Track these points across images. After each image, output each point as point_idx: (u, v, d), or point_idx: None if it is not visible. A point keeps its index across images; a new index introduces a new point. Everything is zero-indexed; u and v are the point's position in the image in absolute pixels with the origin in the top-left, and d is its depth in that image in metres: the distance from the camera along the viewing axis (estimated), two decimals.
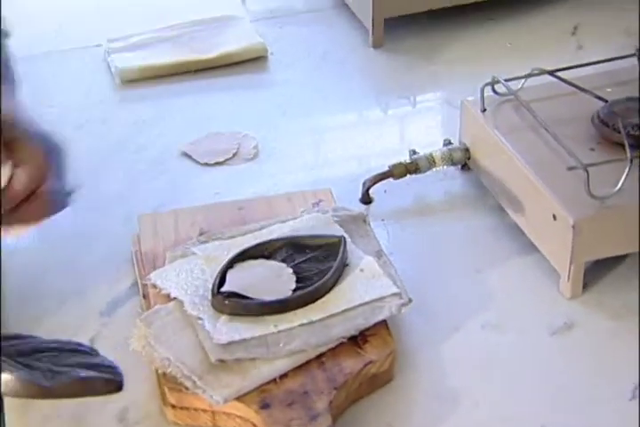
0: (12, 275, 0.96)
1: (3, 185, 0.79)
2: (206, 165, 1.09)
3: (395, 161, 1.03)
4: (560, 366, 0.85)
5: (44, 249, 0.99)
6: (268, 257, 0.89)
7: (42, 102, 1.19)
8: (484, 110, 0.99)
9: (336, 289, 0.87)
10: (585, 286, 0.91)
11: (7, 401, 0.77)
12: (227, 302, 0.84)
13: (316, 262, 0.88)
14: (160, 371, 0.81)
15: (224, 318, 0.83)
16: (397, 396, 0.83)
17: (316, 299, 0.85)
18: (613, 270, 0.93)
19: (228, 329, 0.82)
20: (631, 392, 0.82)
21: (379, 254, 0.90)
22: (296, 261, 0.88)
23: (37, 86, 1.23)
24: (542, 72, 1.00)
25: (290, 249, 0.89)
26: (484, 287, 0.93)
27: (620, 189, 0.87)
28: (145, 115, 1.18)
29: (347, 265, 0.89)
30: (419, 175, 1.03)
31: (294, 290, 0.85)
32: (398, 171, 1.03)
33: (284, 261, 0.88)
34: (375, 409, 0.82)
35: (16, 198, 0.79)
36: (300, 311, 0.84)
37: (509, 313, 0.90)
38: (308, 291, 0.85)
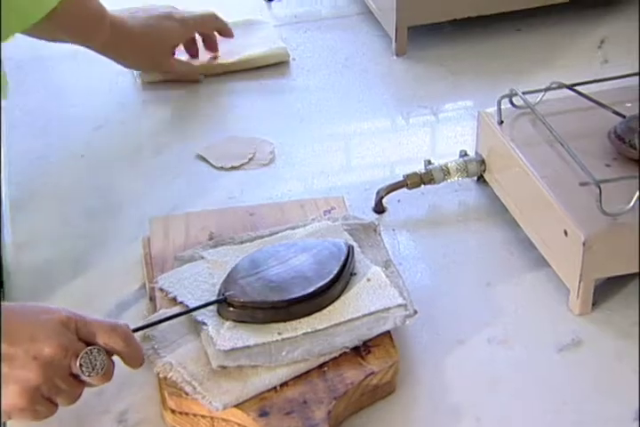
0: (21, 273, 0.96)
1: None
2: (222, 169, 1.09)
3: (411, 170, 1.03)
4: (566, 383, 0.84)
5: (55, 248, 1.00)
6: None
7: (63, 102, 1.20)
8: (501, 122, 0.98)
9: (342, 298, 0.86)
10: (594, 304, 0.90)
11: None
12: (232, 309, 0.84)
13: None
14: (161, 375, 0.81)
15: (228, 324, 0.83)
16: (398, 408, 0.82)
17: (322, 308, 0.85)
18: (624, 289, 0.92)
19: (231, 336, 0.82)
20: (635, 413, 0.81)
21: (387, 264, 0.90)
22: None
23: (60, 86, 1.23)
24: (561, 86, 0.99)
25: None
26: (493, 301, 0.92)
27: (632, 206, 0.86)
28: (164, 117, 1.18)
29: (354, 274, 0.88)
30: (433, 186, 1.03)
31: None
32: (413, 181, 1.02)
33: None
34: (375, 421, 0.81)
35: None
36: (304, 320, 0.84)
37: (517, 328, 0.89)
38: (315, 300, 0.85)
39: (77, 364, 0.71)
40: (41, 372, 0.69)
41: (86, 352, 0.71)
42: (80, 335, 0.72)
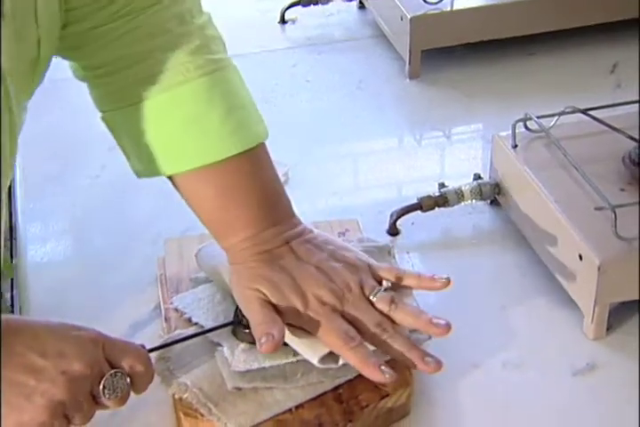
0: (36, 292, 0.97)
1: None
2: None
3: (424, 193, 1.03)
4: (581, 407, 0.84)
5: (70, 268, 1.00)
6: None
7: (79, 122, 1.20)
8: (516, 146, 0.99)
9: None
10: (609, 328, 0.90)
11: None
12: (247, 330, 0.84)
13: None
14: (176, 396, 0.81)
15: (243, 345, 0.83)
16: None
17: None
18: (638, 313, 0.92)
19: (246, 357, 0.82)
20: None
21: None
22: None
23: (76, 107, 1.24)
24: (575, 110, 1.00)
25: None
26: (508, 324, 0.92)
27: None
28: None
29: None
30: (447, 209, 1.03)
31: None
32: (427, 204, 1.02)
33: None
34: None
35: None
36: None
37: (531, 352, 0.89)
38: None
39: (101, 385, 0.71)
40: (68, 387, 0.69)
41: (111, 374, 0.71)
42: (106, 356, 0.72)
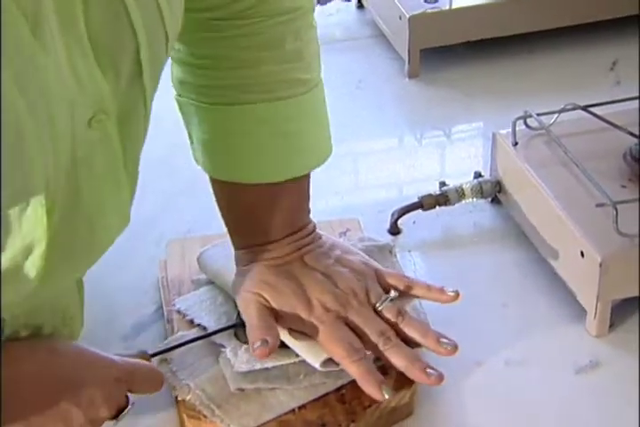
0: None
1: None
2: None
3: (425, 192, 1.03)
4: (584, 405, 0.84)
5: None
6: None
7: None
8: (516, 144, 0.99)
9: None
10: (612, 325, 0.90)
11: None
12: None
13: None
14: (179, 397, 0.81)
15: (246, 346, 0.83)
16: None
17: None
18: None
19: (249, 358, 0.82)
20: None
21: None
22: None
23: None
24: (575, 107, 0.99)
25: None
26: (510, 322, 0.92)
27: None
28: (181, 138, 1.18)
29: None
30: (448, 207, 1.03)
31: None
32: (428, 202, 1.02)
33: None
34: None
35: None
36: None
37: (534, 350, 0.89)
38: None
39: (115, 421, 0.73)
40: None
41: (128, 408, 0.73)
42: (127, 389, 0.74)
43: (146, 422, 0.83)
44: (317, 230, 0.89)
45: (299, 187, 0.87)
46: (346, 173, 1.14)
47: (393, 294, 0.84)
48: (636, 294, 0.90)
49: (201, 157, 0.88)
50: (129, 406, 0.74)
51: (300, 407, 0.80)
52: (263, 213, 0.86)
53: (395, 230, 1.03)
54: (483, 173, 1.04)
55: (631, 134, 0.97)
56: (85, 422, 0.70)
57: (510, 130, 0.99)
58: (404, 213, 1.03)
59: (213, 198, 1.08)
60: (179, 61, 0.85)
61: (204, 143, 0.86)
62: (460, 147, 1.17)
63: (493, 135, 1.02)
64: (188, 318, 0.88)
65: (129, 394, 0.75)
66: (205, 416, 0.79)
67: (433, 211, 1.03)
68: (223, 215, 0.89)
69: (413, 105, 1.24)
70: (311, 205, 1.06)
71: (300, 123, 0.84)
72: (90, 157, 0.65)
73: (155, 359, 0.82)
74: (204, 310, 0.88)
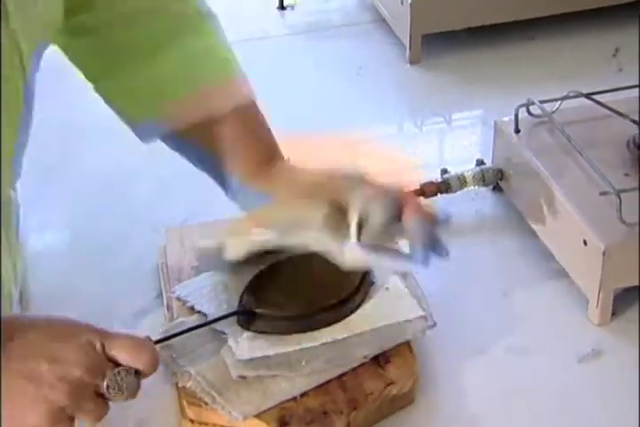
0: (37, 281, 0.96)
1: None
2: None
3: (425, 179, 1.03)
4: (586, 393, 0.84)
5: (71, 256, 0.99)
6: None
7: (76, 113, 1.20)
8: (518, 131, 0.98)
9: (362, 308, 0.86)
10: (614, 313, 0.90)
11: None
12: (251, 318, 0.83)
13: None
14: (180, 385, 0.81)
15: (247, 333, 0.83)
16: (418, 419, 0.82)
17: (344, 317, 0.85)
18: None
19: (250, 345, 0.82)
20: None
21: (405, 275, 0.89)
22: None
23: (72, 97, 1.23)
24: (578, 95, 0.99)
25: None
26: (511, 311, 0.92)
27: None
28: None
29: (373, 283, 0.88)
30: (450, 195, 1.02)
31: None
32: (429, 190, 1.02)
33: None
34: None
35: None
36: (324, 330, 0.84)
37: (535, 338, 0.89)
38: (336, 310, 0.85)
39: (104, 385, 0.71)
40: (68, 393, 0.69)
41: (114, 373, 0.71)
42: (107, 355, 0.72)
43: (146, 410, 0.82)
44: None
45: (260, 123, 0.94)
46: (346, 159, 1.13)
47: None
48: (639, 282, 0.89)
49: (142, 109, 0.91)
50: (115, 370, 0.71)
51: (301, 395, 0.80)
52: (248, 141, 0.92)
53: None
54: (485, 161, 1.04)
55: (634, 122, 0.96)
56: (56, 379, 0.68)
57: (512, 117, 0.98)
58: None
59: (211, 184, 1.07)
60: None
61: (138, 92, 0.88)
62: (461, 134, 1.16)
63: (495, 123, 1.01)
64: (188, 304, 0.87)
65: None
66: (206, 403, 0.79)
67: (434, 198, 1.02)
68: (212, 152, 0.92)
69: (414, 91, 1.23)
70: None
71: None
72: None
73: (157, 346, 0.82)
74: (204, 296, 0.87)
